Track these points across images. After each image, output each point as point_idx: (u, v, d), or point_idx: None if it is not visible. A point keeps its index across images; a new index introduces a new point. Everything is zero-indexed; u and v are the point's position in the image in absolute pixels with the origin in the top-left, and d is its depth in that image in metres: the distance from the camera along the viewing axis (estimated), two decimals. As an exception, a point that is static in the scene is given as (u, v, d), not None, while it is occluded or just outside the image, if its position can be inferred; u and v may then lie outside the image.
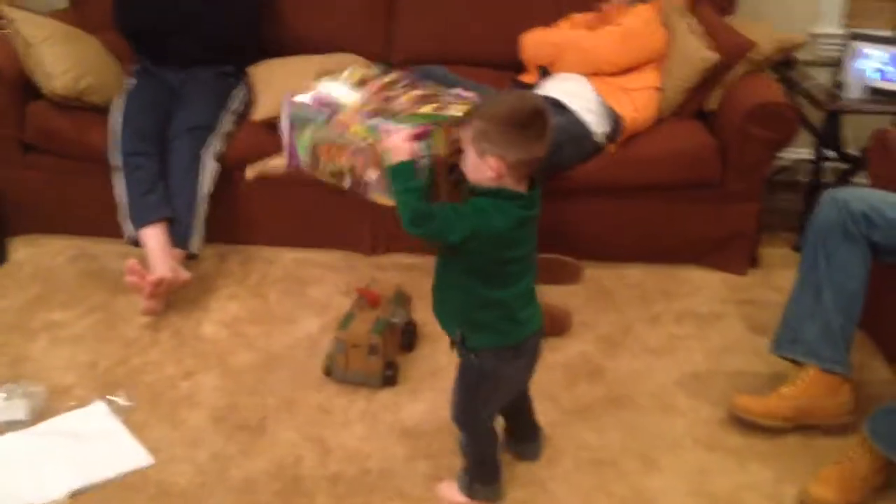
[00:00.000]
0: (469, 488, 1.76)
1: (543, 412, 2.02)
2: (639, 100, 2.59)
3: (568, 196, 2.59)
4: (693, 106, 2.69)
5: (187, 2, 2.67)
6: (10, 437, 1.89)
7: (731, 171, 2.57)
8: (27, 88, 2.63)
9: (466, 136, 1.49)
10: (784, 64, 2.88)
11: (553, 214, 2.55)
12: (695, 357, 2.24)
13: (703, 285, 2.58)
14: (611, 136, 2.57)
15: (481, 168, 1.48)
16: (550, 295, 2.49)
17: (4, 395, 1.96)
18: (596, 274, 2.63)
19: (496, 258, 1.57)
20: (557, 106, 2.55)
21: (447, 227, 1.49)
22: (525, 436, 1.89)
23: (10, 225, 2.74)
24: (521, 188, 1.53)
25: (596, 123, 2.54)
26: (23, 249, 2.71)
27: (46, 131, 2.63)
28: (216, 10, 2.69)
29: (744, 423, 1.96)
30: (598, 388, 2.13)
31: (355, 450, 1.91)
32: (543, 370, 2.16)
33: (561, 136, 2.44)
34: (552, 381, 2.14)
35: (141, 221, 2.39)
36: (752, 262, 2.69)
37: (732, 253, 2.66)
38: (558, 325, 2.33)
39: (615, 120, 2.56)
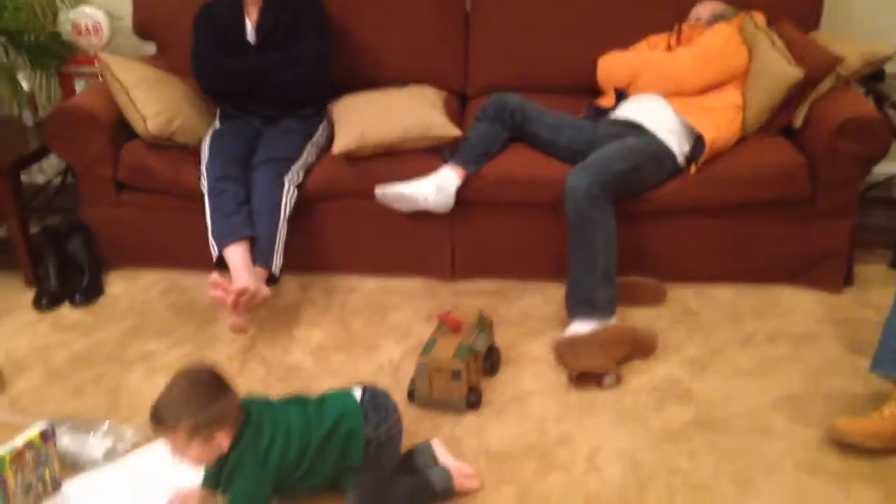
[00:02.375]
0: None
1: (629, 436, 1.98)
2: (721, 118, 2.54)
3: (649, 217, 2.56)
4: (778, 123, 2.63)
5: (255, 66, 2.75)
6: (108, 471, 1.94)
7: (821, 188, 2.50)
8: (122, 130, 2.76)
9: (179, 444, 1.60)
10: (872, 77, 2.79)
11: (633, 236, 2.54)
12: (790, 378, 2.16)
13: (797, 305, 2.49)
14: (691, 156, 2.53)
15: (213, 450, 1.62)
16: (634, 317, 2.45)
17: (105, 429, 2.02)
18: (681, 295, 2.58)
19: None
20: (635, 127, 2.53)
21: None
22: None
23: (106, 260, 2.87)
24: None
25: (676, 143, 2.51)
26: (118, 283, 2.82)
27: (140, 170, 2.74)
28: (284, 71, 2.76)
29: (844, 446, 1.87)
30: (687, 410, 2.07)
31: (441, 474, 1.90)
32: (630, 394, 2.14)
33: (640, 157, 2.45)
34: (639, 405, 2.10)
35: (225, 240, 2.46)
36: (847, 280, 2.59)
37: (826, 271, 2.56)
38: (642, 346, 2.28)
39: (696, 139, 2.52)
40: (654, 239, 2.62)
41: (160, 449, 1.98)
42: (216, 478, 1.68)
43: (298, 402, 1.81)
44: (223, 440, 1.61)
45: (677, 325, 2.43)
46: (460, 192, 2.59)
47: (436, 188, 2.56)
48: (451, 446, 1.97)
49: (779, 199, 2.51)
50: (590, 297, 2.33)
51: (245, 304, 2.33)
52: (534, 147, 2.66)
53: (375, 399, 1.82)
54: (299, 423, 1.73)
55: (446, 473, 1.82)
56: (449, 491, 1.80)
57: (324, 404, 1.79)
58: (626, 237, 2.41)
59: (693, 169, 2.50)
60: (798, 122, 2.60)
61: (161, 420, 1.59)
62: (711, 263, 2.63)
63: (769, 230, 2.57)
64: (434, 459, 1.88)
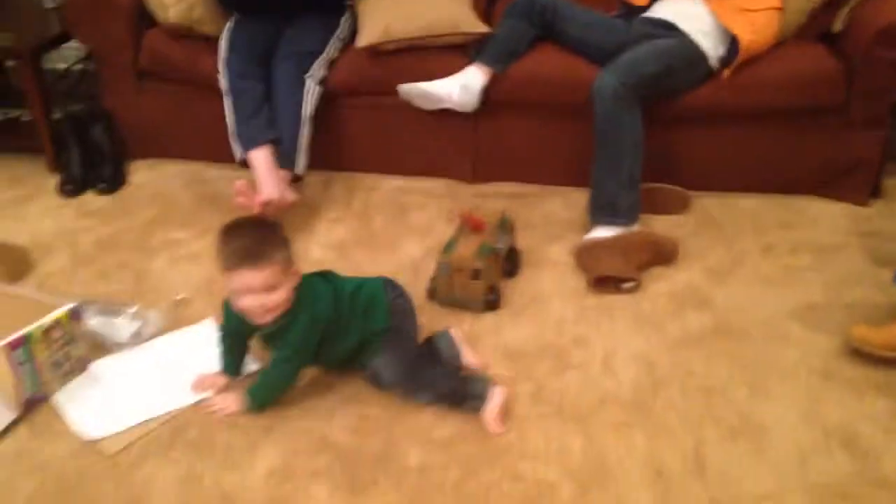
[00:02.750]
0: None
1: (645, 340, 2.00)
2: (757, 21, 2.45)
3: (677, 122, 2.51)
4: (817, 27, 2.54)
5: None
6: (134, 352, 1.99)
7: (855, 97, 2.43)
8: (142, 18, 2.71)
9: (275, 279, 1.62)
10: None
11: (661, 142, 2.49)
12: (811, 288, 2.16)
13: (822, 216, 2.47)
14: (726, 60, 2.45)
15: (292, 287, 1.68)
16: (656, 225, 2.44)
17: (132, 312, 2.06)
18: (705, 204, 2.56)
19: None
20: (670, 28, 2.45)
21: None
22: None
23: (129, 149, 2.87)
24: None
25: (710, 46, 2.43)
26: (141, 173, 2.83)
27: (160, 58, 2.71)
28: None
29: (860, 355, 1.88)
30: (705, 317, 2.08)
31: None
32: (648, 300, 2.14)
33: (673, 60, 2.38)
34: (657, 310, 2.11)
35: (248, 144, 2.44)
36: (875, 192, 2.55)
37: (854, 183, 2.52)
38: (663, 253, 2.28)
39: (731, 41, 2.44)
40: (681, 145, 2.58)
41: (185, 335, 2.05)
42: (272, 336, 1.75)
43: (318, 273, 1.86)
44: (297, 276, 1.69)
45: (700, 234, 2.42)
46: (486, 92, 2.55)
47: (461, 87, 2.52)
48: (470, 344, 2.00)
49: (812, 107, 2.45)
50: (613, 201, 2.31)
51: (272, 213, 2.34)
52: (563, 46, 2.59)
53: (391, 281, 1.92)
54: (327, 286, 1.80)
55: (485, 385, 1.79)
56: (482, 399, 1.78)
57: (343, 277, 1.88)
58: (652, 142, 2.37)
59: (726, 73, 2.43)
60: (837, 26, 2.51)
61: (258, 256, 1.60)
62: (738, 173, 2.60)
63: (799, 139, 2.52)
64: (453, 345, 1.93)
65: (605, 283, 2.17)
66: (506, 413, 1.78)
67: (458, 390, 1.79)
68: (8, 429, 1.76)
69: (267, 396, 1.79)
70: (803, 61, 2.46)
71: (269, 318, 1.67)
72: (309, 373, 1.90)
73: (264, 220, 1.73)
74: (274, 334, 1.74)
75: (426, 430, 1.76)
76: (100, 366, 1.93)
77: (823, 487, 1.58)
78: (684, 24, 2.43)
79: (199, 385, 1.85)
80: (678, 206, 2.53)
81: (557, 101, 2.56)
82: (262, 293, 1.63)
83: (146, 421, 1.78)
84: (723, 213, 2.51)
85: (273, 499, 1.60)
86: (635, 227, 2.33)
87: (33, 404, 1.81)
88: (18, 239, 2.40)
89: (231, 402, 1.79)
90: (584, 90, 2.38)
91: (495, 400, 1.76)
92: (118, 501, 1.60)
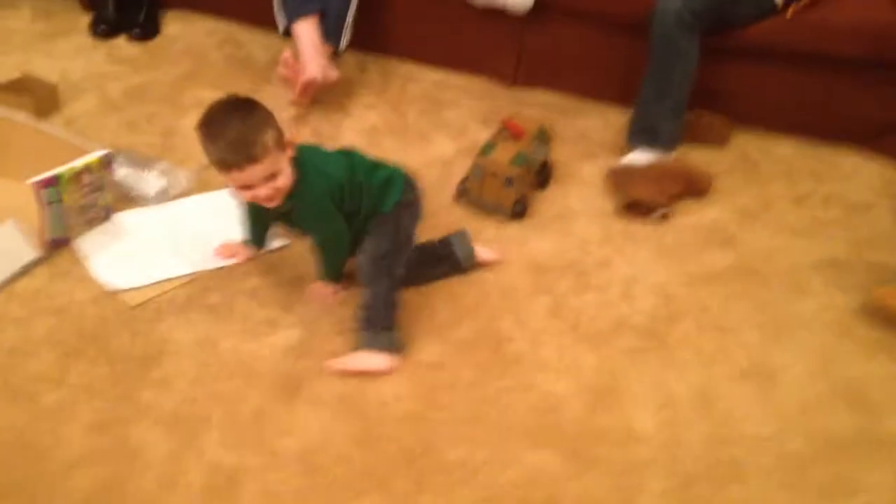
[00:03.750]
0: (391, 342, 1.71)
1: (666, 271, 2.00)
2: (832, -39, 2.35)
3: (731, 55, 2.43)
4: (891, -23, 2.44)
5: None
6: (159, 209, 1.99)
7: (918, 56, 2.36)
8: None
9: (276, 163, 1.52)
10: None
11: (711, 72, 2.42)
12: (836, 243, 2.15)
13: (858, 172, 2.43)
14: (791, -1, 2.36)
15: (289, 153, 1.57)
16: (692, 155, 2.41)
17: (161, 168, 2.04)
18: (743, 142, 2.51)
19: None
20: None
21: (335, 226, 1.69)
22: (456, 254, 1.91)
23: (163, -2, 2.77)
24: None
25: (779, -20, 2.34)
26: (174, 24, 2.74)
27: None
28: None
29: (879, 316, 1.89)
30: (728, 256, 2.08)
31: (479, 274, 1.94)
32: (673, 231, 2.14)
33: (739, -10, 2.28)
34: (681, 243, 2.10)
35: (294, 14, 2.36)
36: (917, 156, 2.51)
37: (896, 142, 2.48)
38: (696, 186, 2.25)
39: (801, -20, 2.34)
40: (730, 78, 2.50)
41: (210, 199, 2.03)
42: (287, 216, 1.70)
43: (339, 150, 1.81)
44: (291, 148, 1.57)
45: (734, 173, 2.39)
46: (540, -6, 2.46)
47: (517, -15, 2.42)
48: (493, 248, 2.00)
49: (872, 60, 2.37)
50: (655, 126, 2.27)
51: (313, 92, 2.28)
52: (628, -42, 2.49)
53: (411, 179, 1.83)
54: (340, 153, 1.75)
55: (466, 240, 1.88)
56: (469, 258, 1.88)
57: (365, 154, 1.81)
58: (703, 72, 2.30)
59: (790, 12, 2.34)
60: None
61: (250, 147, 1.47)
62: (782, 113, 2.54)
63: (850, 89, 2.44)
64: (467, 243, 1.91)
65: (635, 208, 2.15)
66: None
67: (444, 255, 1.84)
68: (29, 267, 1.76)
69: (335, 271, 1.79)
70: (871, 12, 2.36)
71: (277, 200, 1.58)
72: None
73: (238, 99, 1.52)
74: (288, 214, 1.68)
75: (442, 329, 1.78)
76: (124, 217, 1.92)
77: (823, 438, 1.62)
78: (755, -45, 2.33)
79: (223, 252, 1.85)
80: (719, 137, 2.48)
81: (614, 13, 2.46)
82: (265, 183, 1.53)
83: (168, 279, 1.79)
84: (760, 155, 2.47)
85: (287, 373, 1.63)
86: (672, 156, 2.30)
87: (56, 246, 1.80)
88: (47, 74, 2.34)
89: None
90: (644, 5, 2.29)
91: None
92: (133, 353, 1.62)
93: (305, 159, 1.61)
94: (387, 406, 1.59)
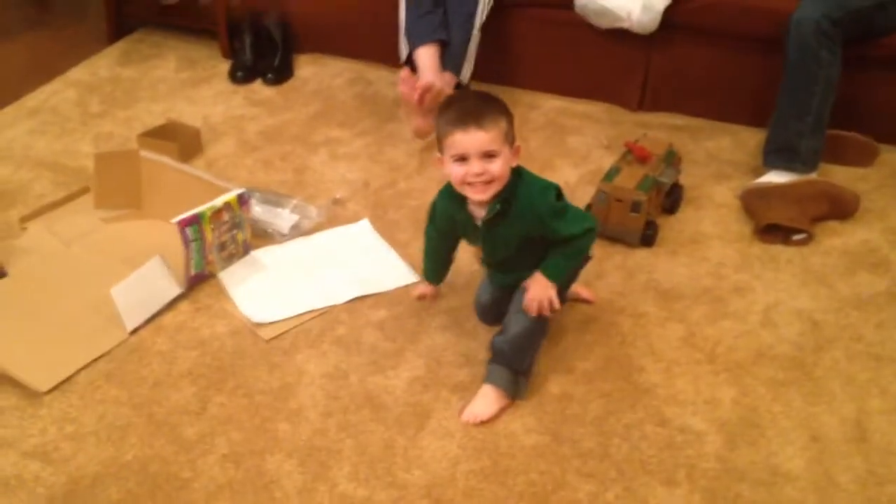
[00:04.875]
0: (516, 386, 1.64)
1: (812, 297, 1.88)
2: None
3: (877, 66, 2.29)
4: None
5: None
6: (293, 244, 2.05)
7: None
8: None
9: (496, 144, 1.47)
10: None
11: (854, 85, 2.28)
12: None
13: None
14: (946, 0, 2.19)
15: (511, 161, 1.51)
16: (837, 175, 2.26)
17: (294, 204, 2.12)
18: (892, 159, 2.34)
19: None
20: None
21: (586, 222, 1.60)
22: None
23: (298, 43, 2.90)
24: None
25: (930, -17, 2.17)
26: (307, 67, 2.86)
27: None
28: None
29: None
30: (881, 280, 1.93)
31: (608, 301, 1.89)
32: (818, 254, 2.01)
33: (887, -6, 2.14)
34: (828, 267, 1.97)
35: (417, 40, 2.41)
36: None
37: None
38: (842, 207, 2.11)
39: (955, -19, 2.17)
40: (876, 91, 2.35)
41: (341, 233, 2.08)
42: (488, 227, 1.58)
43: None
44: (517, 151, 1.53)
45: (884, 190, 2.23)
46: (666, 14, 2.39)
47: (642, 5, 2.37)
48: (620, 278, 1.95)
49: None
50: (794, 144, 2.14)
51: (430, 102, 2.31)
52: (758, -29, 2.39)
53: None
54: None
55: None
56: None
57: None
58: (844, 84, 2.16)
59: (944, 18, 2.18)
60: None
61: (482, 115, 1.46)
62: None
63: None
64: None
65: (774, 232, 2.04)
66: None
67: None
68: (173, 303, 1.86)
69: (566, 271, 1.65)
70: None
71: (489, 192, 1.50)
72: (455, 288, 1.90)
73: (488, 94, 1.55)
74: (491, 223, 1.56)
75: (568, 359, 1.74)
76: (261, 253, 2.00)
77: None
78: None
79: (418, 295, 1.83)
80: (864, 158, 2.32)
81: (744, 31, 2.37)
82: (484, 159, 1.47)
83: (302, 313, 1.84)
84: (913, 172, 2.30)
85: (412, 404, 1.63)
86: (813, 176, 2.17)
87: (197, 281, 1.90)
88: (191, 120, 2.49)
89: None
90: (775, 20, 2.20)
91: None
92: (270, 386, 1.67)
93: (524, 172, 1.58)
94: (515, 438, 1.56)
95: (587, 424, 1.59)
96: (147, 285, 1.82)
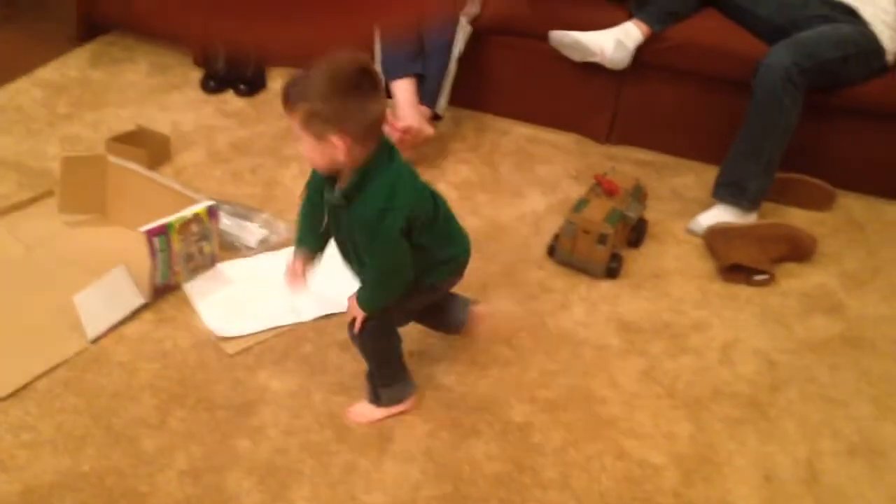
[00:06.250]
0: (377, 398, 1.67)
1: (769, 337, 1.93)
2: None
3: (835, 114, 2.37)
4: None
5: None
6: (260, 258, 2.04)
7: None
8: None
9: (295, 128, 1.37)
10: None
11: (812, 132, 2.36)
12: (953, 314, 2.04)
13: (976, 240, 2.31)
14: (903, 56, 2.29)
15: (326, 152, 1.37)
16: (794, 218, 2.33)
17: (264, 219, 2.11)
18: (848, 204, 2.43)
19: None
20: (849, 12, 2.29)
21: (397, 255, 1.47)
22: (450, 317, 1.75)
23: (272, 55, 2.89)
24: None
25: (889, 39, 2.26)
26: (279, 80, 2.85)
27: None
28: None
29: None
30: (835, 324, 1.99)
31: (571, 331, 1.92)
32: (777, 295, 2.07)
33: (849, 48, 2.23)
34: (785, 308, 2.03)
35: (393, 74, 2.42)
36: None
37: None
38: (801, 250, 2.18)
39: (913, 38, 2.27)
40: (832, 137, 2.43)
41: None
42: (341, 198, 1.43)
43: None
44: (337, 145, 1.35)
45: (839, 235, 2.30)
46: (638, 52, 2.45)
47: (615, 42, 2.43)
48: (584, 309, 1.98)
49: None
50: (743, 182, 2.21)
51: (409, 142, 2.33)
52: (728, 15, 2.46)
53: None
54: (429, 198, 1.53)
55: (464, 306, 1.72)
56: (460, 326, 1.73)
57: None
58: (805, 131, 2.24)
59: (902, 72, 2.27)
60: None
61: (284, 96, 1.37)
62: (891, 177, 2.44)
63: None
64: (463, 315, 1.73)
65: (737, 271, 2.09)
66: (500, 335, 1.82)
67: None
68: (136, 312, 1.83)
69: (374, 301, 1.54)
70: None
71: (316, 168, 1.46)
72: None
73: (356, 66, 1.33)
74: (335, 208, 1.46)
75: (531, 388, 1.75)
76: (227, 266, 1.99)
77: (941, 525, 1.51)
78: (867, 12, 2.27)
79: (292, 276, 1.67)
80: (820, 202, 2.40)
81: (712, 72, 2.44)
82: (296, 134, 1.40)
83: (268, 329, 1.83)
84: (868, 218, 2.38)
85: (376, 427, 1.63)
86: (753, 217, 2.24)
87: (162, 292, 1.87)
88: (160, 127, 2.46)
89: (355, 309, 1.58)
90: (743, 64, 2.27)
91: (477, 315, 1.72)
92: (232, 402, 1.66)
93: (388, 172, 1.42)
94: (477, 465, 1.57)
95: (548, 454, 1.61)
96: (111, 294, 1.79)
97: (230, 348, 1.77)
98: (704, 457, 1.62)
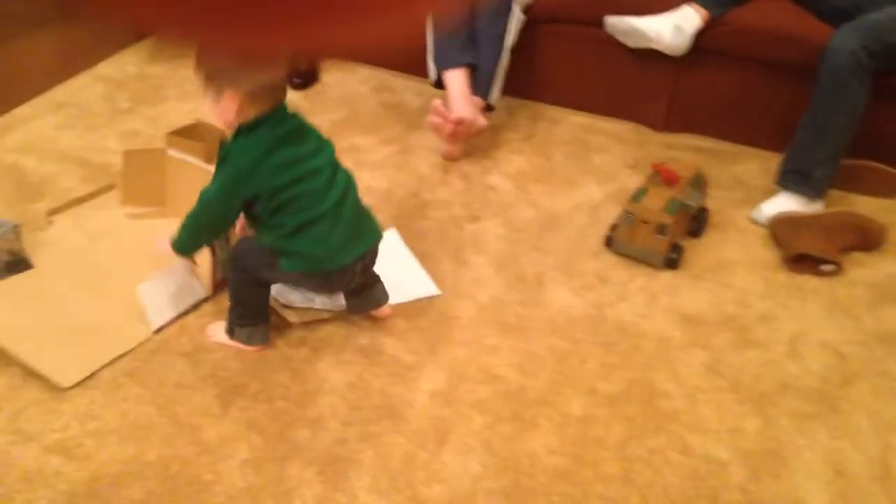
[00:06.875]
0: (230, 330, 1.73)
1: (838, 328, 1.87)
2: None
3: (905, 97, 2.28)
4: None
5: None
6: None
7: None
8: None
9: (202, 81, 1.44)
10: None
11: (880, 116, 2.27)
12: None
13: None
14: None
15: (224, 111, 1.44)
16: (862, 206, 2.26)
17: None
18: (920, 192, 2.34)
19: (279, 187, 1.51)
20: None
21: (202, 200, 1.55)
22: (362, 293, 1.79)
23: (324, 48, 2.90)
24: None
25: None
26: (332, 73, 2.86)
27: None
28: None
29: None
30: (907, 315, 1.92)
31: (631, 323, 1.88)
32: (844, 285, 2.00)
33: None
34: (854, 298, 1.96)
35: (444, 64, 2.41)
36: None
37: None
38: (869, 239, 2.10)
39: None
40: (903, 124, 2.34)
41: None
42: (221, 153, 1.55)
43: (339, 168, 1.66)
44: (228, 105, 1.45)
45: (909, 224, 2.22)
46: (697, 37, 2.39)
47: (673, 27, 2.37)
48: (643, 301, 1.94)
49: None
50: (808, 170, 2.14)
51: (462, 134, 2.31)
52: (790, -2, 2.39)
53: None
54: (271, 133, 1.53)
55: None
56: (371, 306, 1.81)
57: (357, 206, 1.66)
58: (870, 115, 2.16)
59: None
60: None
61: (211, 73, 1.47)
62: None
63: None
64: (381, 300, 1.80)
65: (802, 262, 2.03)
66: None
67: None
68: (197, 304, 1.85)
69: (184, 247, 1.67)
70: None
71: (219, 124, 1.56)
72: (478, 302, 1.90)
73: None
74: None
75: (590, 380, 1.73)
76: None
77: None
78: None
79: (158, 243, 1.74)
80: (888, 189, 2.32)
81: (774, 57, 2.37)
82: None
83: (325, 309, 1.83)
84: (939, 206, 2.29)
85: (434, 418, 1.62)
86: (819, 204, 2.17)
87: (221, 286, 1.89)
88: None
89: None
90: (806, 49, 2.20)
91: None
92: (291, 393, 1.66)
93: (252, 135, 1.50)
94: (536, 458, 1.55)
95: (609, 448, 1.58)
96: (174, 285, 1.82)
97: (293, 317, 1.82)
98: (772, 452, 1.58)
